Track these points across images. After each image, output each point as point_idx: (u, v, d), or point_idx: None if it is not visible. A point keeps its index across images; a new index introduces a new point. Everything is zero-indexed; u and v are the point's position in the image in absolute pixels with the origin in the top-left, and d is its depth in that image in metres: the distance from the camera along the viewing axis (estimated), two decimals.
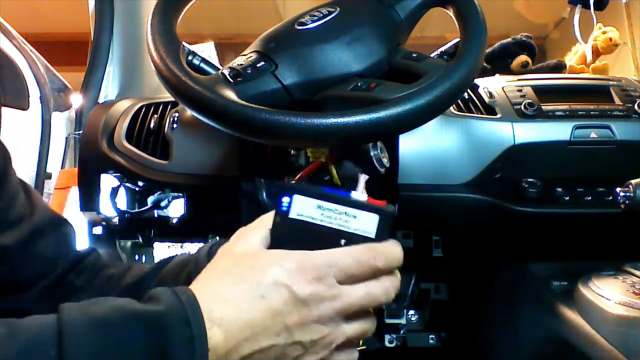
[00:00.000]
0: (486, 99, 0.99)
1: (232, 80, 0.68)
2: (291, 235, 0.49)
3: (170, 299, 0.42)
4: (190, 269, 0.59)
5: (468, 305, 1.08)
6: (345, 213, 0.49)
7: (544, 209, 0.93)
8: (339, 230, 0.49)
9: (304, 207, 0.49)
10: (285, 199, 0.49)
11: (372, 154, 0.76)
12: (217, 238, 0.97)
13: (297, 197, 0.49)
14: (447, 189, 0.92)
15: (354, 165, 0.79)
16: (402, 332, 1.07)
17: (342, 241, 0.49)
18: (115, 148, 0.99)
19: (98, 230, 1.03)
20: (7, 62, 1.36)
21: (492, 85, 1.02)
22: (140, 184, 0.98)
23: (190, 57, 0.75)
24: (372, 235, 0.49)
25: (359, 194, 0.51)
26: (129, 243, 1.10)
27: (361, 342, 0.94)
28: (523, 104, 0.96)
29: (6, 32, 1.39)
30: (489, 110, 0.97)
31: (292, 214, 0.49)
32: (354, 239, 0.48)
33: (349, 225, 0.49)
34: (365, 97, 0.67)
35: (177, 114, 0.98)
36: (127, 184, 0.99)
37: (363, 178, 0.52)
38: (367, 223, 0.49)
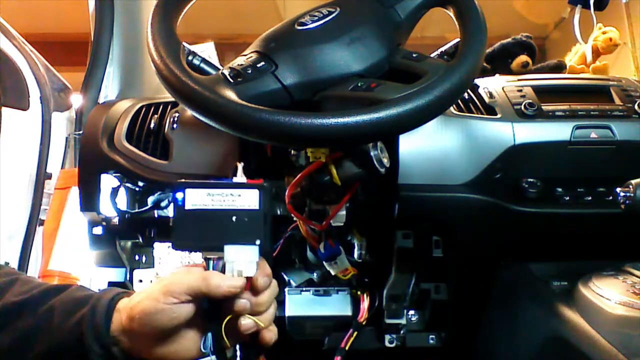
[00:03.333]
0: (486, 99, 0.99)
1: (232, 81, 0.68)
2: (191, 223, 0.59)
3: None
4: (85, 313, 0.60)
5: (468, 305, 1.08)
6: (231, 194, 0.59)
7: (544, 209, 0.93)
8: (229, 210, 0.59)
9: (197, 198, 0.59)
10: (179, 195, 0.59)
11: (372, 154, 0.76)
12: None
13: (189, 191, 0.59)
14: (447, 189, 0.92)
15: (354, 165, 0.79)
16: (402, 332, 1.07)
17: (234, 217, 0.59)
18: (115, 148, 0.99)
19: (98, 230, 1.03)
20: (7, 62, 1.36)
21: (492, 85, 1.02)
22: (140, 184, 0.98)
23: (190, 57, 0.75)
24: (257, 207, 0.59)
25: (239, 178, 0.63)
26: (129, 243, 1.10)
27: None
28: (523, 104, 0.96)
29: (6, 32, 1.39)
30: (489, 110, 0.97)
31: (188, 206, 0.59)
32: (242, 213, 0.59)
33: (236, 203, 0.59)
34: (365, 97, 0.67)
35: (177, 114, 0.98)
36: (127, 184, 0.99)
37: (240, 165, 0.66)
38: (250, 199, 0.59)
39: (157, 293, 0.58)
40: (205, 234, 0.59)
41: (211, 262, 0.61)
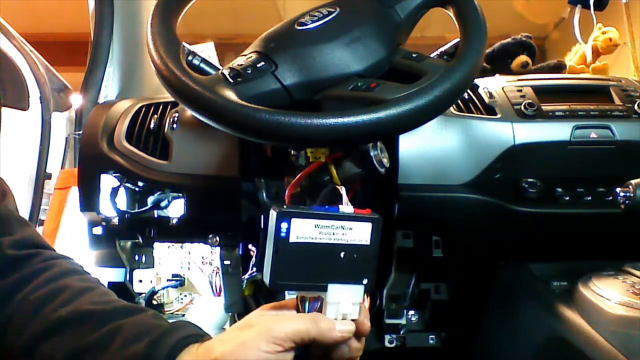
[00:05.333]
0: (486, 99, 0.99)
1: (232, 81, 0.68)
2: (294, 259, 0.51)
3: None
4: (142, 347, 0.52)
5: (468, 305, 1.08)
6: (342, 227, 0.52)
7: (544, 209, 0.93)
8: (337, 245, 0.52)
9: (303, 229, 0.51)
10: (284, 225, 0.50)
11: (372, 154, 0.76)
12: (217, 238, 0.97)
13: (294, 221, 0.51)
14: (447, 189, 0.92)
15: (354, 165, 0.79)
16: (402, 332, 1.07)
17: (342, 253, 0.52)
18: (115, 148, 0.99)
19: (98, 230, 1.03)
20: (7, 62, 1.36)
21: (492, 85, 1.02)
22: (140, 184, 0.98)
23: (190, 57, 0.75)
24: (368, 243, 0.52)
25: (346, 207, 0.54)
26: (129, 243, 1.10)
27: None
28: (523, 104, 0.96)
29: (6, 32, 1.39)
30: (489, 110, 0.97)
31: (293, 238, 0.51)
32: (351, 249, 0.52)
33: (346, 237, 0.52)
34: (365, 97, 0.67)
35: (177, 114, 0.98)
36: (127, 184, 0.99)
37: (344, 191, 0.57)
38: (361, 232, 0.52)
39: (257, 340, 0.49)
40: (309, 271, 0.51)
41: (307, 303, 0.53)
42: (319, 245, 0.51)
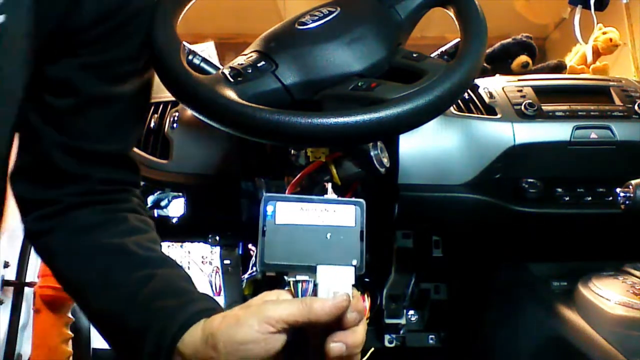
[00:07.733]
0: (486, 99, 0.99)
1: (232, 80, 0.68)
2: (282, 239, 0.53)
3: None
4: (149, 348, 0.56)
5: (468, 305, 1.08)
6: (326, 210, 0.54)
7: (544, 209, 0.93)
8: (324, 226, 0.54)
9: (289, 212, 0.54)
10: (270, 208, 0.54)
11: (372, 154, 0.76)
12: (217, 237, 0.97)
13: (280, 204, 0.54)
14: (447, 189, 0.92)
15: (354, 165, 0.79)
16: (401, 332, 1.07)
17: (328, 234, 0.54)
18: None
19: None
20: None
21: (492, 86, 1.02)
22: (140, 183, 0.98)
23: (190, 57, 0.75)
24: (353, 225, 0.55)
25: (330, 195, 0.58)
26: None
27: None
28: (523, 104, 0.96)
29: None
30: (489, 110, 0.97)
31: (279, 220, 0.53)
32: (337, 230, 0.54)
33: (331, 220, 0.54)
34: (365, 97, 0.67)
35: (177, 114, 0.98)
36: None
37: (329, 185, 0.64)
38: (346, 216, 0.55)
39: (251, 319, 0.51)
40: (298, 251, 0.53)
41: (300, 286, 0.54)
42: (305, 226, 0.54)
